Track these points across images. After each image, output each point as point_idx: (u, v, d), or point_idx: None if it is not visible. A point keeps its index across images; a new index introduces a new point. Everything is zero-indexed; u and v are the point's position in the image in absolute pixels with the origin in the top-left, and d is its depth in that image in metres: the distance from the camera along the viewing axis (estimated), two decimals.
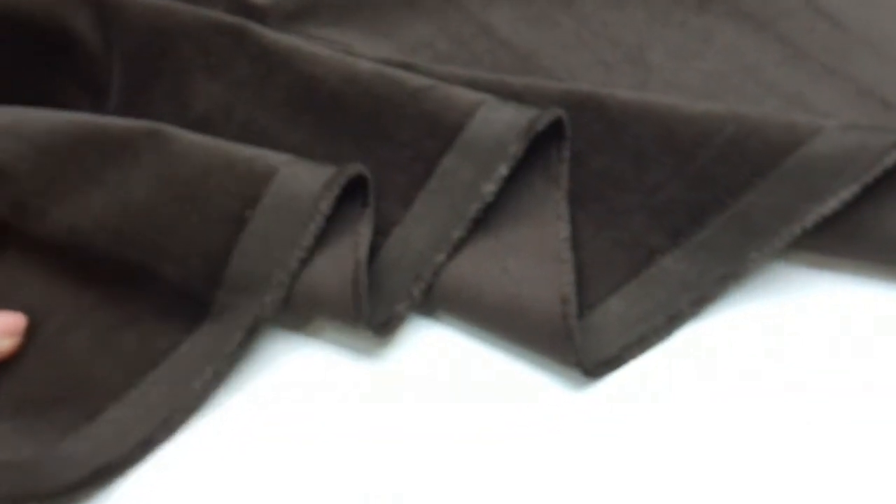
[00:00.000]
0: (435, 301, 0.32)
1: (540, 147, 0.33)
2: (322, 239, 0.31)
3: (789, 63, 0.40)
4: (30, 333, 0.33)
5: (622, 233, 0.33)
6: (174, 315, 0.32)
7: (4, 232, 0.35)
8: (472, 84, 0.35)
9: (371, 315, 0.30)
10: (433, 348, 0.32)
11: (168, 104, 0.36)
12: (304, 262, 0.31)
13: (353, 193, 0.32)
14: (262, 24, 0.39)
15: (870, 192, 0.30)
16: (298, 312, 0.32)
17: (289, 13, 0.42)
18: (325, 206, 0.30)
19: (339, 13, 0.42)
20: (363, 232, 0.31)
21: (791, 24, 0.42)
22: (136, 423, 0.30)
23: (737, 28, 0.42)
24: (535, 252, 0.32)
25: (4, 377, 0.32)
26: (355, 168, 0.31)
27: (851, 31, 0.41)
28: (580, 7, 0.43)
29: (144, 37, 0.37)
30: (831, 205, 0.30)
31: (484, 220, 0.32)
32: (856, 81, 0.39)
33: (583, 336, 0.30)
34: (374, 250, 0.32)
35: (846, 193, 0.30)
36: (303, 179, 0.31)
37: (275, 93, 0.35)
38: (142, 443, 0.29)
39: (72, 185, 0.33)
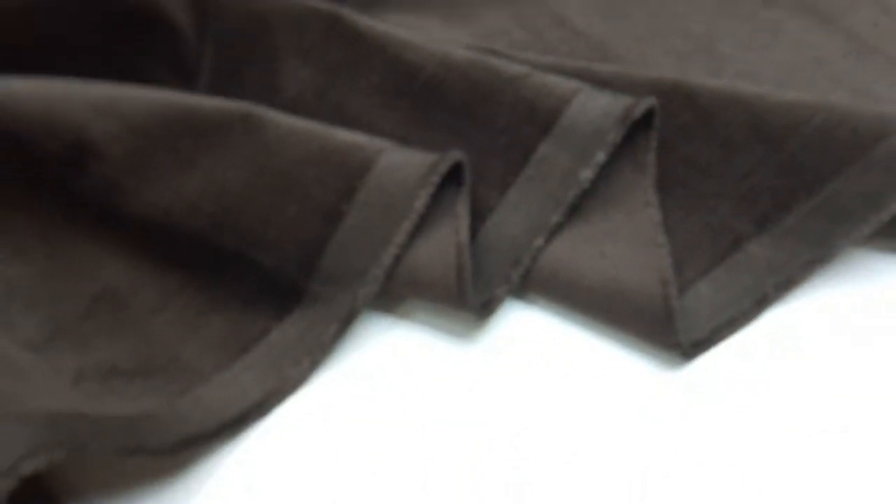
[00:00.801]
0: (532, 285, 0.33)
1: (629, 135, 0.33)
2: (422, 223, 0.31)
3: (855, 56, 0.41)
4: (115, 310, 0.33)
5: (710, 218, 0.34)
6: (263, 302, 0.32)
7: (91, 212, 0.35)
8: (560, 71, 0.36)
9: (474, 298, 0.31)
10: (529, 331, 0.32)
11: (259, 88, 0.37)
12: (404, 249, 0.31)
13: (451, 177, 0.32)
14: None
15: None
16: (398, 295, 0.33)
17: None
18: (420, 204, 0.31)
19: (415, 0, 0.43)
20: (462, 216, 0.31)
21: (856, 18, 0.43)
22: (227, 404, 0.30)
23: (804, 21, 0.43)
24: (630, 237, 0.32)
25: (87, 348, 0.32)
26: (451, 159, 0.32)
27: None
28: None
29: (237, 21, 0.37)
30: None
31: (577, 207, 0.33)
32: None
33: (679, 318, 0.31)
34: (471, 235, 0.32)
35: None
36: (398, 174, 0.31)
37: (369, 78, 0.36)
38: (232, 420, 0.30)
39: (166, 167, 0.33)
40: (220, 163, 0.32)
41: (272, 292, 0.32)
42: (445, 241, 0.31)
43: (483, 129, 0.34)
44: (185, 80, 0.37)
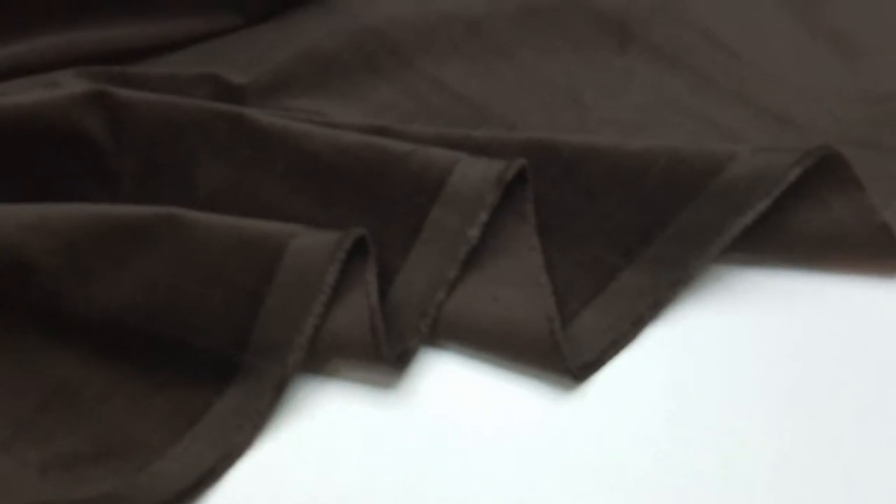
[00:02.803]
0: (439, 333, 0.37)
1: (508, 190, 0.38)
2: (337, 293, 0.35)
3: (699, 91, 0.47)
4: (69, 402, 0.36)
5: (584, 256, 0.39)
6: (203, 379, 0.36)
7: (37, 318, 0.38)
8: (442, 141, 0.40)
9: (388, 352, 0.35)
10: (441, 374, 0.36)
11: (178, 188, 0.40)
12: (322, 318, 0.35)
13: (357, 249, 0.36)
14: (242, 99, 0.44)
15: (779, 202, 0.36)
16: (322, 359, 0.37)
17: (264, 88, 0.46)
18: (331, 278, 0.35)
19: (308, 83, 0.47)
20: (371, 281, 0.36)
21: (696, 57, 0.49)
22: (183, 473, 0.33)
23: (653, 64, 0.48)
24: (517, 281, 0.37)
25: (49, 440, 0.35)
26: (353, 234, 0.36)
27: (745, 59, 0.48)
28: (520, 58, 0.49)
29: (152, 130, 0.41)
30: (750, 217, 0.36)
31: (469, 260, 0.38)
32: (753, 102, 0.46)
33: (565, 346, 0.36)
34: (381, 296, 0.37)
35: (761, 206, 0.36)
36: (309, 254, 0.35)
37: (275, 169, 0.40)
38: (189, 488, 0.33)
39: (100, 271, 0.36)
40: (149, 262, 0.36)
41: (211, 369, 0.36)
42: (358, 305, 0.35)
43: (380, 202, 0.38)
44: (108, 189, 0.40)
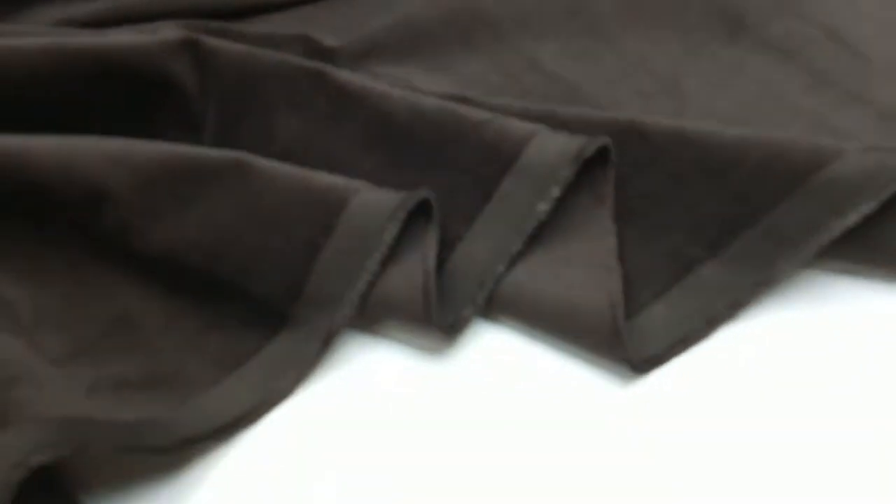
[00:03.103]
0: (495, 306, 0.36)
1: (588, 170, 0.37)
2: (394, 254, 0.35)
3: (814, 90, 0.44)
4: (129, 330, 0.37)
5: (663, 245, 0.37)
6: (255, 324, 0.36)
7: (109, 247, 0.39)
8: (524, 115, 0.39)
9: (439, 319, 0.34)
10: (494, 348, 0.35)
11: (256, 138, 0.41)
12: (376, 276, 0.35)
13: (422, 213, 0.36)
14: (333, 63, 0.44)
15: (886, 208, 0.33)
16: (374, 318, 0.36)
17: (355, 53, 0.46)
18: (389, 236, 0.34)
19: (399, 52, 0.47)
20: (430, 245, 0.35)
21: (815, 53, 0.45)
22: (222, 411, 0.33)
23: (764, 58, 0.45)
24: (584, 262, 0.35)
25: (104, 363, 0.36)
26: (417, 196, 0.35)
27: (871, 60, 0.45)
28: (620, 42, 0.47)
29: (235, 79, 0.42)
30: (852, 219, 0.33)
31: (538, 236, 0.36)
32: (877, 106, 0.42)
33: (630, 336, 0.34)
34: (441, 263, 0.36)
35: (866, 208, 0.33)
36: (370, 211, 0.35)
37: (350, 126, 0.40)
38: (225, 426, 0.33)
39: (169, 209, 0.37)
40: (216, 205, 0.36)
41: (263, 316, 0.36)
42: (414, 267, 0.35)
43: (451, 168, 0.38)
44: (191, 134, 0.41)
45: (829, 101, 0.43)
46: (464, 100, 0.41)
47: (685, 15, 0.47)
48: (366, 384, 0.35)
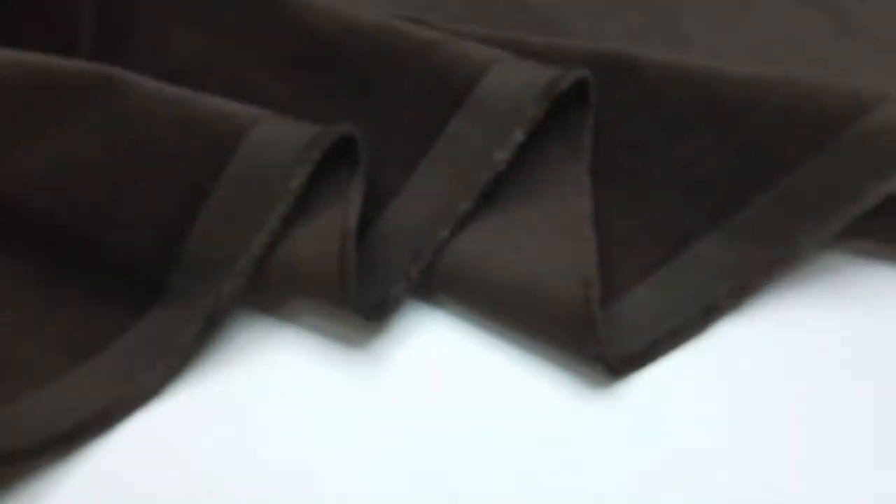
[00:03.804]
0: (436, 284, 0.29)
1: (561, 113, 0.30)
2: (303, 208, 0.28)
3: (838, 36, 0.38)
4: None
5: (652, 212, 0.30)
6: (119, 296, 0.29)
7: None
8: (487, 42, 0.32)
9: (361, 297, 0.27)
10: (431, 339, 0.29)
11: (143, 55, 0.34)
12: (278, 237, 0.27)
13: (344, 155, 0.28)
14: None
15: None
16: (273, 293, 0.29)
17: None
18: (296, 183, 0.27)
19: None
20: (352, 199, 0.28)
21: None
22: (59, 415, 0.26)
23: None
24: (552, 230, 0.29)
25: None
26: (337, 131, 0.28)
27: None
28: None
29: None
30: None
31: (494, 193, 0.30)
32: None
33: (606, 327, 0.27)
34: (367, 223, 0.29)
35: None
36: (274, 148, 0.28)
37: (263, 43, 0.32)
38: (61, 437, 0.26)
39: (6, 137, 0.29)
40: (70, 131, 0.29)
41: (128, 285, 0.29)
42: (329, 227, 0.27)
43: (387, 101, 0.31)
44: (63, 46, 0.34)
45: (855, 49, 0.37)
46: (416, 21, 0.33)
47: None
48: (259, 383, 0.28)
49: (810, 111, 0.29)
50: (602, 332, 0.26)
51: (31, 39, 0.33)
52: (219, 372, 0.28)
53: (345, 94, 0.31)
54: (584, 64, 0.31)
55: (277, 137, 0.27)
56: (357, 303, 0.27)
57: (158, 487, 0.25)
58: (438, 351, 0.28)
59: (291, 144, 0.27)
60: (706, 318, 0.28)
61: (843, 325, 0.28)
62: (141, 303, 0.28)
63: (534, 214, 0.29)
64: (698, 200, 0.30)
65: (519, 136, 0.29)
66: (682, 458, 0.25)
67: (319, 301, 0.28)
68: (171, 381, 0.27)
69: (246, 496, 0.25)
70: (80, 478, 0.25)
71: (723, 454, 0.25)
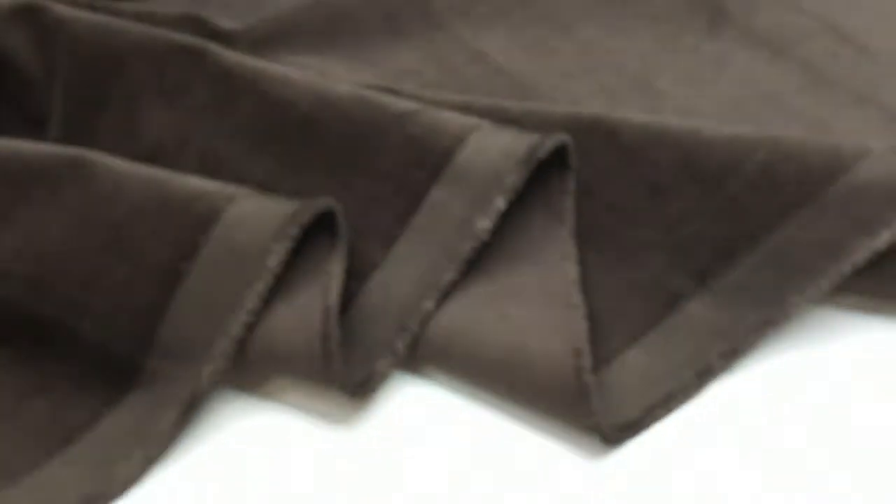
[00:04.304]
0: (423, 355, 0.28)
1: (542, 178, 0.30)
2: (283, 286, 0.27)
3: (812, 90, 0.39)
4: None
5: (639, 274, 0.30)
6: (95, 383, 0.28)
7: None
8: (465, 109, 0.33)
9: (345, 373, 0.27)
10: (420, 413, 0.28)
11: (115, 134, 0.34)
12: (258, 317, 0.27)
13: (323, 229, 0.28)
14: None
15: None
16: (255, 373, 0.28)
17: (259, 39, 0.39)
18: (275, 261, 0.27)
19: (316, 39, 0.40)
20: (334, 274, 0.27)
21: (812, 48, 0.40)
22: None
23: (752, 53, 0.40)
24: (539, 297, 0.28)
25: None
26: (316, 206, 0.28)
27: (876, 56, 0.40)
28: (580, 33, 0.41)
29: (91, 58, 0.34)
30: (885, 238, 0.27)
31: (478, 262, 0.29)
32: (886, 108, 0.37)
33: (599, 395, 0.27)
34: (349, 297, 0.29)
35: None
36: (250, 226, 0.27)
37: (238, 119, 0.32)
38: None
39: None
40: (41, 217, 0.28)
41: (104, 371, 0.28)
42: (310, 304, 0.27)
43: (366, 173, 0.31)
44: (32, 126, 0.34)
45: (830, 103, 0.38)
46: (391, 91, 0.33)
47: (657, 1, 0.42)
48: (243, 466, 0.27)
49: (793, 169, 0.29)
50: (596, 402, 0.25)
51: None
52: (199, 454, 0.27)
53: (321, 167, 0.31)
54: (562, 128, 0.31)
55: (254, 214, 0.27)
56: (342, 380, 0.26)
57: None
58: (425, 425, 0.28)
59: (269, 221, 0.27)
60: (700, 381, 0.28)
61: (835, 379, 0.28)
62: (118, 388, 0.27)
63: (520, 281, 0.29)
64: (685, 261, 0.30)
65: (500, 203, 0.29)
66: None
67: (303, 380, 0.27)
68: (150, 469, 0.26)
69: None
70: None
71: None
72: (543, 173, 0.30)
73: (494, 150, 0.29)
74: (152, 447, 0.26)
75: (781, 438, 0.27)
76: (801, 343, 0.29)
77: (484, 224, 0.28)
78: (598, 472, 0.26)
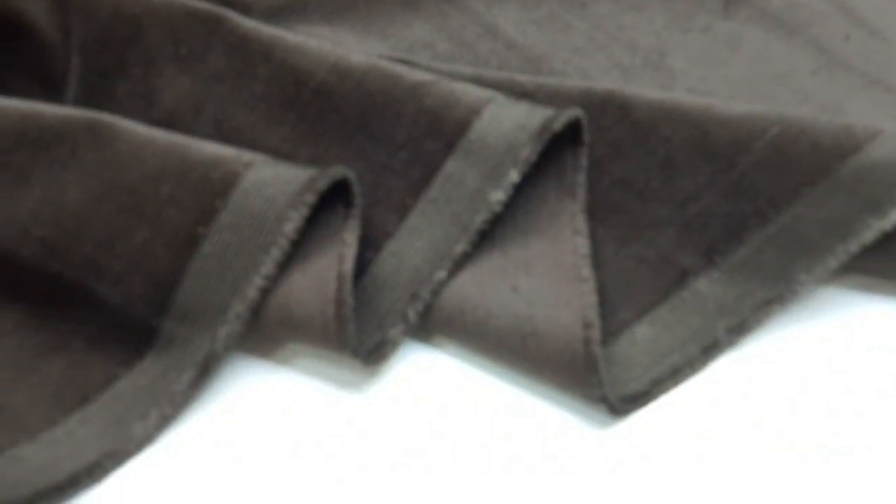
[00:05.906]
0: (434, 325, 0.29)
1: (554, 152, 0.30)
2: (298, 252, 0.27)
3: (825, 71, 0.38)
4: None
5: (649, 250, 0.30)
6: (111, 344, 0.28)
7: None
8: (478, 82, 0.32)
9: (358, 340, 0.27)
10: (431, 381, 0.28)
11: (131, 100, 0.33)
12: (273, 282, 0.27)
13: (339, 198, 0.28)
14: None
15: None
16: (270, 338, 0.28)
17: (275, 8, 0.39)
18: (291, 227, 0.27)
19: (329, 10, 0.39)
20: (348, 242, 0.27)
21: (825, 30, 0.39)
22: (52, 466, 0.26)
23: (766, 34, 0.39)
24: (549, 270, 0.28)
25: None
26: (332, 174, 0.27)
27: (891, 41, 0.39)
28: (594, 9, 0.40)
29: (108, 24, 0.34)
30: (893, 218, 0.27)
31: (490, 234, 0.29)
32: None
33: (606, 367, 0.27)
34: (363, 266, 0.29)
35: None
36: (267, 192, 0.27)
37: (253, 87, 0.32)
38: (55, 487, 0.25)
39: None
40: (59, 179, 0.28)
41: (120, 332, 0.28)
42: (325, 271, 0.27)
43: (381, 143, 0.30)
44: (49, 91, 0.33)
45: (842, 84, 0.37)
46: (405, 62, 0.33)
47: None
48: (258, 429, 0.27)
49: (804, 148, 0.28)
50: (604, 374, 0.26)
51: (17, 85, 0.33)
52: (213, 417, 0.27)
53: (336, 136, 0.31)
54: (576, 103, 0.31)
55: (271, 181, 0.27)
56: (354, 346, 0.26)
57: None
58: (436, 393, 0.28)
59: (285, 188, 0.27)
60: (706, 356, 0.28)
61: (841, 358, 0.28)
62: (134, 350, 0.28)
63: (531, 254, 0.29)
64: (694, 238, 0.29)
65: (514, 176, 0.28)
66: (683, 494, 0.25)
67: (316, 345, 0.27)
68: (166, 429, 0.26)
69: None
70: None
71: (725, 488, 0.25)
72: (556, 147, 0.29)
73: (509, 122, 0.29)
74: (168, 407, 0.26)
75: (786, 414, 0.27)
76: (808, 321, 0.29)
77: (497, 196, 0.28)
78: (605, 442, 0.26)
